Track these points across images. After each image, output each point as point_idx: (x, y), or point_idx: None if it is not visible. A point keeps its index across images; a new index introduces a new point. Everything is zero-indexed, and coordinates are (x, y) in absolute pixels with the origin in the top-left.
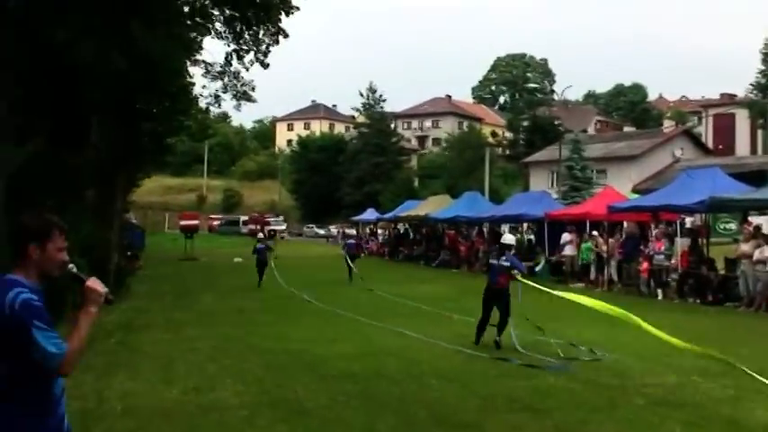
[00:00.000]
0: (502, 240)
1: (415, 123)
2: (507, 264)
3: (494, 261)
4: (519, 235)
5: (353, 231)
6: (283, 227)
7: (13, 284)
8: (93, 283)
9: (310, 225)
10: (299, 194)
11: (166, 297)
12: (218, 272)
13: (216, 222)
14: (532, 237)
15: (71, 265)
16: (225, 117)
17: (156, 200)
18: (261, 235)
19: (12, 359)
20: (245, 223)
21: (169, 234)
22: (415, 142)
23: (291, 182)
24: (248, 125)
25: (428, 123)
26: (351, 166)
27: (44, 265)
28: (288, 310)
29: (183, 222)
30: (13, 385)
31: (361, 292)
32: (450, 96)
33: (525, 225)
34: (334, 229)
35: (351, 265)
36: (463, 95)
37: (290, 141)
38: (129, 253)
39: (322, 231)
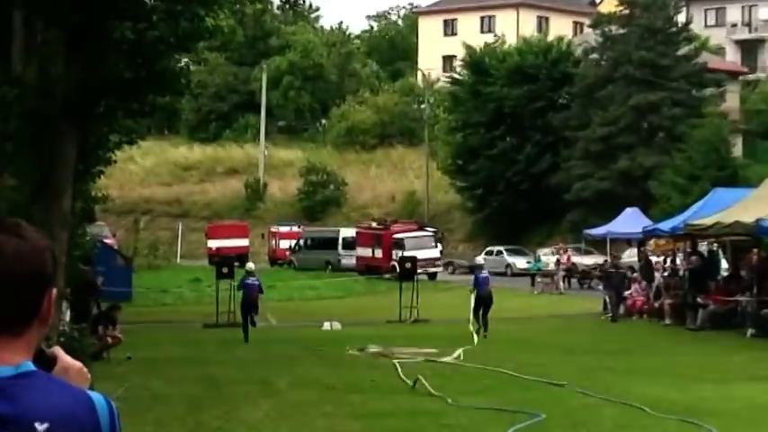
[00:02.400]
0: None
1: (732, 12)
2: None
3: None
4: None
5: (480, 259)
6: (435, 252)
7: (72, 386)
8: (67, 357)
9: (495, 249)
10: (469, 180)
11: (168, 410)
12: (285, 353)
13: (286, 242)
14: None
15: None
16: (301, 10)
17: (159, 193)
18: (251, 265)
19: None
20: (348, 243)
21: (185, 268)
22: (733, 54)
23: (453, 151)
24: (357, 26)
25: (764, 11)
26: (584, 114)
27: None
28: None
29: (213, 243)
30: None
31: (602, 400)
32: None
33: None
34: (549, 255)
35: (481, 318)
36: None
37: (448, 60)
38: (96, 311)
39: (524, 261)
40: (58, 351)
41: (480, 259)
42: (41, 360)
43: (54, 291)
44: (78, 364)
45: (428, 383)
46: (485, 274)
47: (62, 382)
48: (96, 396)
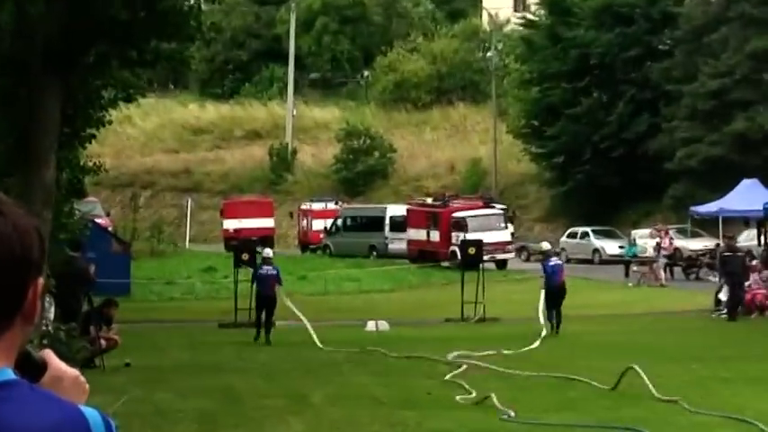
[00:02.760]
0: None
1: None
2: None
3: None
4: None
5: (547, 244)
6: (505, 234)
7: (64, 402)
8: (61, 363)
9: (579, 231)
10: (547, 146)
11: (176, 429)
12: (320, 359)
13: (320, 222)
14: None
15: None
16: None
17: (164, 162)
18: (268, 251)
19: None
20: (397, 224)
21: (196, 254)
22: None
23: (528, 110)
24: None
25: None
26: (690, 64)
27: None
28: None
29: (229, 224)
30: None
31: None
32: None
33: None
34: (647, 239)
35: (551, 315)
36: None
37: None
38: (87, 307)
39: (615, 246)
40: (49, 355)
41: (547, 244)
42: (27, 366)
43: (40, 281)
44: (74, 372)
45: (499, 398)
46: (555, 261)
47: (49, 395)
48: (91, 412)
